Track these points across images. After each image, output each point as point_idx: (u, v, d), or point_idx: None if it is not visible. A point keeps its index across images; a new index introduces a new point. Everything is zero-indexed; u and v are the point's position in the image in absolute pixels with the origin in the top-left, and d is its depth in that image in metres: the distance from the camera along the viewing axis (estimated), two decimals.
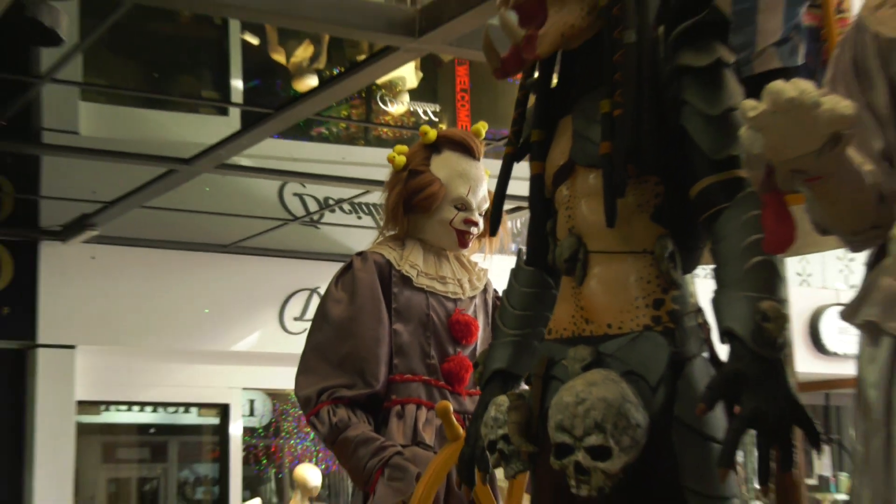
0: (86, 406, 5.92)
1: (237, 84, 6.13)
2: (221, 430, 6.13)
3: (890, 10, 1.20)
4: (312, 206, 5.64)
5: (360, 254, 2.16)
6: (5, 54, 4.37)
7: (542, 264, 1.34)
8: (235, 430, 6.02)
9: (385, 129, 6.52)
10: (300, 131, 5.64)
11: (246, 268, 5.96)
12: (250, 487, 6.19)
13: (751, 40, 1.75)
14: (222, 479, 5.85)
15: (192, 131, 5.52)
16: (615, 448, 1.04)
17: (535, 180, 1.27)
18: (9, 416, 5.58)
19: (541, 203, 1.31)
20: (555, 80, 1.32)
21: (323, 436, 2.05)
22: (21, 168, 5.56)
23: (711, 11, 1.14)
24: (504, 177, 1.37)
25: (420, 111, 6.71)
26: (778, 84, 0.89)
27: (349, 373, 2.03)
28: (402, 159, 2.15)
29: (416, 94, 6.76)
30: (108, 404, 6.13)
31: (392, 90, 5.82)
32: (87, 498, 6.01)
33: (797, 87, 0.88)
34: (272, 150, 5.36)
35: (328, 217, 5.78)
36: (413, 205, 2.10)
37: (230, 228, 5.79)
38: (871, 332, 1.12)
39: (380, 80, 5.23)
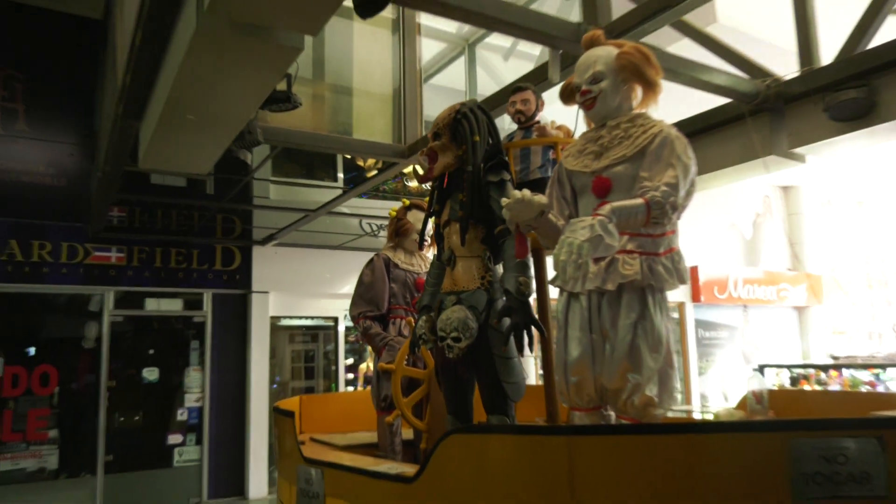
0: (274, 318, 8.79)
1: (340, 174, 9.22)
2: (335, 329, 9.30)
3: (569, 155, 2.38)
4: (371, 228, 8.78)
5: (377, 253, 3.74)
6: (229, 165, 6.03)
7: (441, 260, 2.58)
8: (341, 328, 9.30)
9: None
10: (368, 194, 8.35)
11: (345, 258, 8.76)
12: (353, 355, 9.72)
13: (527, 166, 3.02)
14: (336, 351, 9.26)
15: (319, 195, 8.24)
16: (463, 338, 2.30)
17: (436, 227, 2.58)
18: (240, 325, 8.33)
19: (439, 235, 2.58)
20: (445, 184, 2.59)
21: (360, 333, 3.65)
22: (244, 214, 8.32)
23: (500, 158, 2.44)
24: (426, 222, 2.83)
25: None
26: (515, 193, 2.04)
27: (371, 304, 3.62)
28: (394, 212, 3.79)
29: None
30: (285, 317, 9.11)
31: (410, 175, 9.55)
32: (279, 360, 9.02)
33: (523, 194, 2.02)
34: (356, 203, 8.21)
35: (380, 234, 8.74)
36: (399, 232, 3.72)
37: (338, 238, 8.68)
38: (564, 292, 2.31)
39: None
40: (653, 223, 2.14)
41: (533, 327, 2.27)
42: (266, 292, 8.51)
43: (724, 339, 12.92)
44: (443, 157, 2.68)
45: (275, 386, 8.79)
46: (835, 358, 10.67)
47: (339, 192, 7.75)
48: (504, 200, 2.18)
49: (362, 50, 5.76)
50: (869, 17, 3.76)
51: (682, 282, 2.29)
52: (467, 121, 2.65)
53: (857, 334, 13.07)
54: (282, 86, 4.11)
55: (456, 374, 2.57)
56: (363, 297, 3.62)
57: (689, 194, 2.22)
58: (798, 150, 4.09)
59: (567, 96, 2.55)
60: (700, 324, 12.68)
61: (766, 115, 4.13)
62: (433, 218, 2.69)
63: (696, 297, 12.38)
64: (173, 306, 8.01)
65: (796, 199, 14.22)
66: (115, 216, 7.62)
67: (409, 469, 2.35)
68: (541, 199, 2.16)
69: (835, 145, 3.93)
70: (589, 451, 1.91)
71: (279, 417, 3.44)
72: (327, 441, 3.52)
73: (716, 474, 1.82)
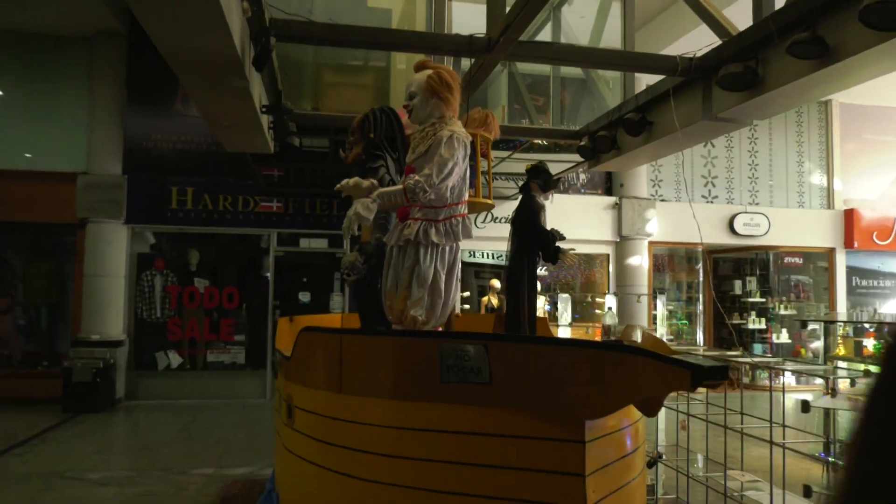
0: None
1: None
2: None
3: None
4: None
5: None
6: None
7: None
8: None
9: None
10: None
11: None
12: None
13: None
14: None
15: None
16: (351, 274, 3.76)
17: None
18: None
19: None
20: None
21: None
22: None
23: (373, 153, 3.84)
24: None
25: None
26: (355, 179, 3.40)
27: None
28: None
29: None
30: None
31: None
32: None
33: (355, 179, 3.31)
34: None
35: None
36: None
37: None
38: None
39: None
40: (412, 201, 3.21)
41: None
42: None
43: (887, 289, 11.91)
44: (356, 148, 3.94)
45: None
46: None
47: None
48: (342, 183, 3.40)
49: None
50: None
51: (458, 240, 3.33)
52: (367, 122, 3.86)
53: None
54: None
55: (356, 295, 3.90)
56: None
57: (448, 175, 3.22)
58: (728, 115, 4.54)
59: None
60: (854, 271, 11.84)
61: (699, 85, 4.62)
62: None
63: (848, 243, 11.58)
64: (321, 244, 10.11)
65: None
66: (276, 175, 9.83)
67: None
68: (368, 182, 3.35)
69: (749, 111, 4.34)
70: (350, 344, 3.16)
71: None
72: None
73: (410, 361, 2.97)
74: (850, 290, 11.86)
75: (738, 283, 12.23)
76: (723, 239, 11.31)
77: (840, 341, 7.14)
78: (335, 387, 3.20)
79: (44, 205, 9.23)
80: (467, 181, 3.48)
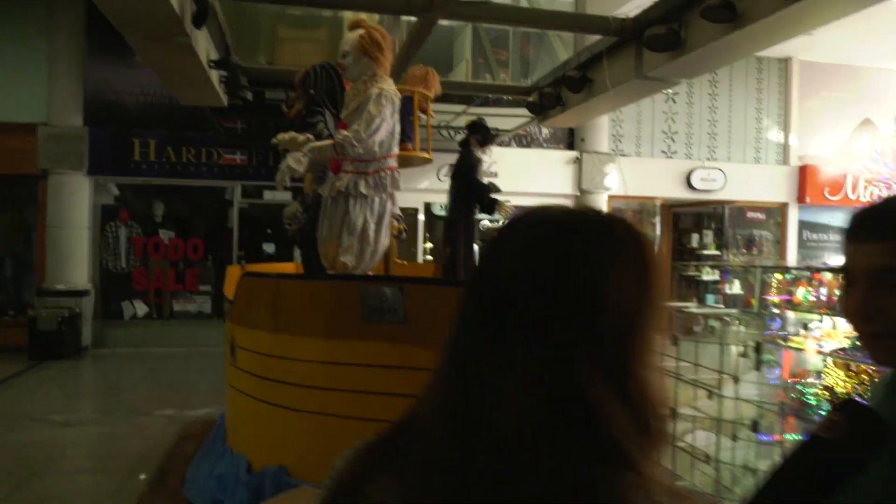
0: None
1: None
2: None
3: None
4: None
5: None
6: None
7: None
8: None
9: None
10: None
11: None
12: None
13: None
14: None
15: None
16: (293, 223, 4.47)
17: None
18: None
19: None
20: None
21: None
22: None
23: (314, 108, 4.18)
24: None
25: None
26: (290, 133, 4.15)
27: None
28: None
29: None
30: None
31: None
32: None
33: (291, 133, 3.84)
34: None
35: None
36: None
37: None
38: None
39: None
40: (342, 155, 3.42)
41: None
42: None
43: (835, 242, 12.38)
44: (297, 103, 4.10)
45: None
46: None
47: None
48: (278, 136, 3.59)
49: None
50: None
51: (387, 192, 3.55)
52: (308, 78, 4.01)
53: None
54: None
55: (298, 243, 4.12)
56: None
57: (376, 131, 3.41)
58: (657, 74, 4.74)
59: None
60: (806, 225, 12.28)
61: (632, 45, 4.80)
62: None
63: (801, 198, 11.98)
64: (284, 197, 10.21)
65: None
66: (239, 128, 9.87)
67: None
68: (304, 137, 3.54)
69: (676, 70, 4.54)
70: (284, 288, 3.41)
71: None
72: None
73: (336, 303, 3.23)
74: (801, 244, 12.32)
75: (695, 237, 12.62)
76: (680, 194, 11.63)
77: (773, 290, 7.54)
78: (271, 327, 3.44)
79: (5, 155, 9.22)
80: (397, 136, 3.68)
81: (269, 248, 10.32)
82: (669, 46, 4.12)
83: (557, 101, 5.82)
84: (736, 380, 4.18)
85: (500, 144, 10.70)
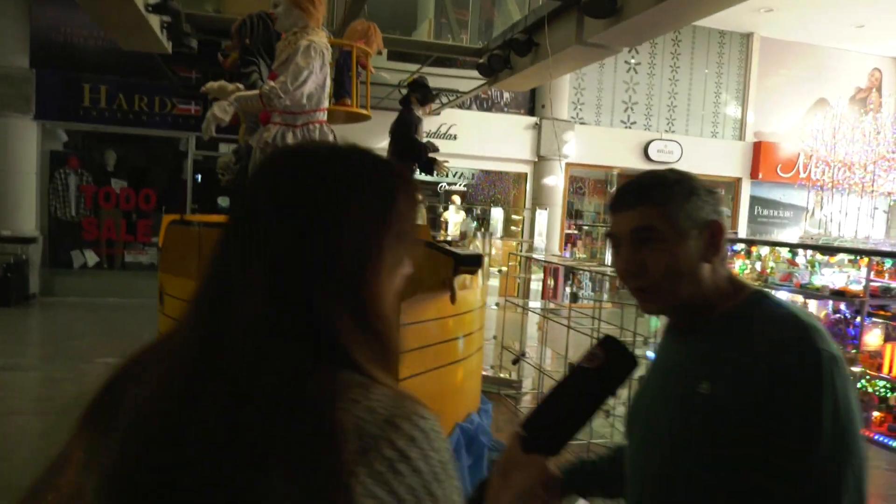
0: None
1: None
2: None
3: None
4: None
5: None
6: None
7: None
8: None
9: None
10: None
11: None
12: None
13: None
14: None
15: None
16: (227, 173, 4.59)
17: None
18: None
19: None
20: None
21: None
22: None
23: (247, 58, 4.05)
24: None
25: None
26: (221, 82, 3.95)
27: None
28: None
29: None
30: None
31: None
32: None
33: (220, 82, 3.78)
34: None
35: None
36: None
37: None
38: None
39: None
40: (268, 106, 3.43)
41: None
42: None
43: (786, 219, 12.74)
44: (233, 53, 4.07)
45: None
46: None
47: None
48: (207, 85, 3.58)
49: None
50: None
51: None
52: (244, 28, 3.98)
53: None
54: None
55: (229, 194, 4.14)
56: None
57: (303, 83, 3.42)
58: (597, 40, 4.78)
59: None
60: (757, 201, 12.59)
61: (574, 9, 4.84)
62: None
63: (754, 174, 12.25)
64: None
65: None
66: (193, 77, 9.67)
67: None
68: (233, 86, 3.53)
69: (614, 37, 4.59)
70: (206, 235, 3.45)
71: None
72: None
73: None
74: (752, 219, 12.65)
75: None
76: (636, 164, 11.79)
77: None
78: (195, 274, 3.50)
79: None
80: (327, 90, 3.70)
81: (223, 201, 10.22)
82: (606, 13, 4.17)
83: (506, 64, 5.84)
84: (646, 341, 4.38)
85: (461, 107, 10.71)
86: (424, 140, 4.72)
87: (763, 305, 1.13)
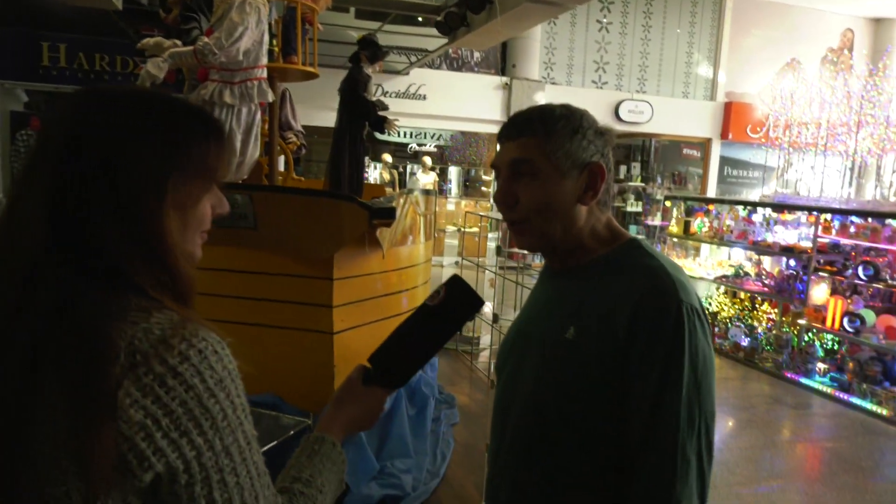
0: None
1: None
2: None
3: None
4: None
5: None
6: None
7: None
8: None
9: None
10: None
11: None
12: None
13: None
14: None
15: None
16: None
17: None
18: None
19: None
20: None
21: None
22: None
23: (189, 15, 4.05)
24: None
25: None
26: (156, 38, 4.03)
27: None
28: None
29: None
30: None
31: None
32: None
33: (156, 39, 3.82)
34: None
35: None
36: None
37: None
38: None
39: None
40: (202, 63, 3.41)
41: None
42: None
43: (754, 179, 12.85)
44: (175, 9, 4.03)
45: None
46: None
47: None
48: (143, 41, 3.54)
49: None
50: None
51: (253, 102, 3.57)
52: None
53: None
54: None
55: None
56: None
57: (238, 39, 3.40)
58: None
59: None
60: (727, 161, 12.67)
61: None
62: None
63: (724, 134, 12.31)
64: None
65: (888, 33, 12.85)
66: (155, 35, 9.47)
67: None
68: (170, 42, 3.50)
69: None
70: None
71: None
72: None
73: None
74: (722, 179, 12.75)
75: (623, 169, 12.91)
76: (608, 124, 11.78)
77: (674, 220, 7.89)
78: None
79: None
80: (265, 46, 3.68)
81: None
82: None
83: (462, 22, 5.78)
84: None
85: (430, 66, 10.60)
86: (374, 98, 4.71)
87: (634, 255, 1.13)
